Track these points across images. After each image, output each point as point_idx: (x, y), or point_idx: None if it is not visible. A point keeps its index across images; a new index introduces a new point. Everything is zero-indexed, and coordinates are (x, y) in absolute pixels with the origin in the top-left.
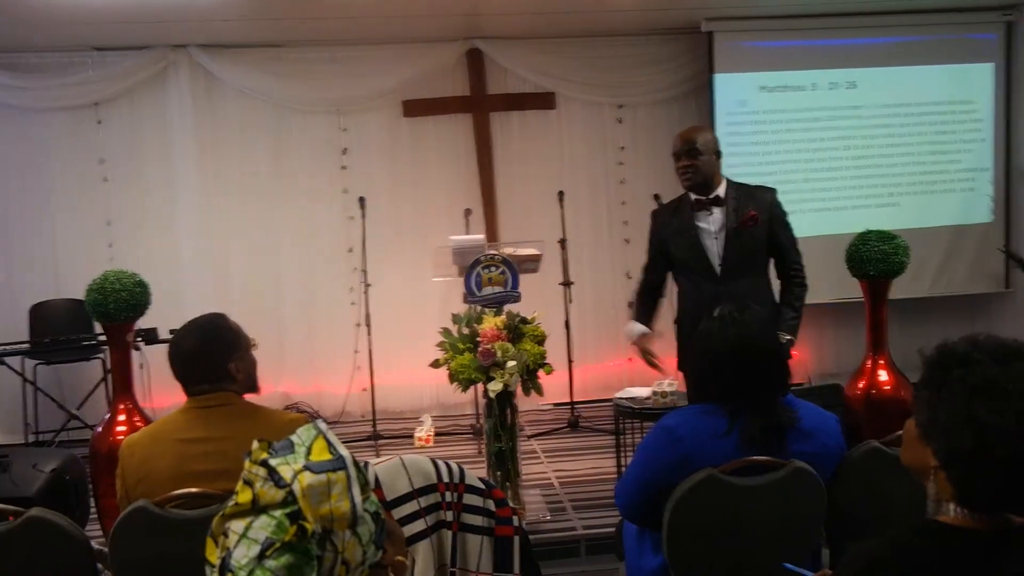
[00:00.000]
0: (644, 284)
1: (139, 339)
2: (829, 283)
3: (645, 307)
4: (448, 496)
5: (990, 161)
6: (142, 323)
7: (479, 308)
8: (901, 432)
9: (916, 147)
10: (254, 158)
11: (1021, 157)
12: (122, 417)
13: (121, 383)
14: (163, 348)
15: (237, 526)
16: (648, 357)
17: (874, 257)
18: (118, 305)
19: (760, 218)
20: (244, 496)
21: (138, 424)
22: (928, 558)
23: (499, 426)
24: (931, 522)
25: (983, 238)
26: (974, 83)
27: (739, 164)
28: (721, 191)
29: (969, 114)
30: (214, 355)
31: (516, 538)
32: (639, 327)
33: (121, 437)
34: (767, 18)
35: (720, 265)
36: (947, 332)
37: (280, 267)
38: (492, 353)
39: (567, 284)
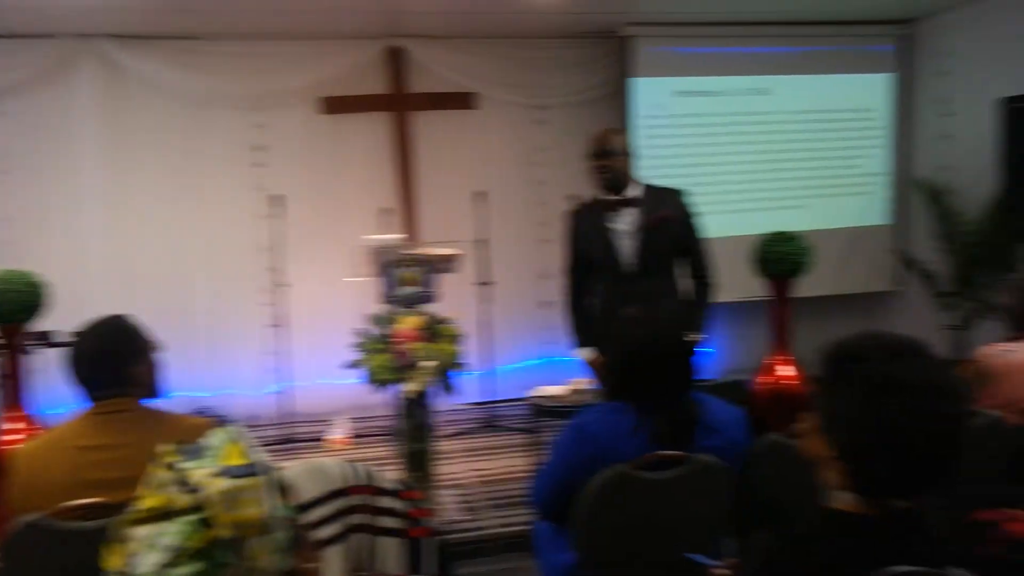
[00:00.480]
0: (571, 291)
1: (35, 342)
2: (738, 282)
3: (581, 324)
4: (361, 499)
5: (886, 167)
6: (41, 325)
7: (396, 308)
8: (802, 425)
9: (821, 152)
10: (165, 154)
11: (913, 162)
12: (15, 424)
13: (15, 388)
14: (62, 351)
15: (142, 533)
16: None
17: (779, 257)
18: (11, 306)
19: (673, 218)
20: (150, 502)
21: (33, 432)
22: (825, 544)
23: (415, 427)
24: (828, 510)
25: (879, 239)
26: (873, 92)
27: (656, 167)
28: (634, 192)
29: (868, 122)
30: (116, 358)
31: (430, 539)
32: (585, 352)
33: (14, 445)
34: (684, 24)
35: (633, 264)
36: (846, 329)
37: (191, 267)
38: (408, 353)
39: (486, 284)
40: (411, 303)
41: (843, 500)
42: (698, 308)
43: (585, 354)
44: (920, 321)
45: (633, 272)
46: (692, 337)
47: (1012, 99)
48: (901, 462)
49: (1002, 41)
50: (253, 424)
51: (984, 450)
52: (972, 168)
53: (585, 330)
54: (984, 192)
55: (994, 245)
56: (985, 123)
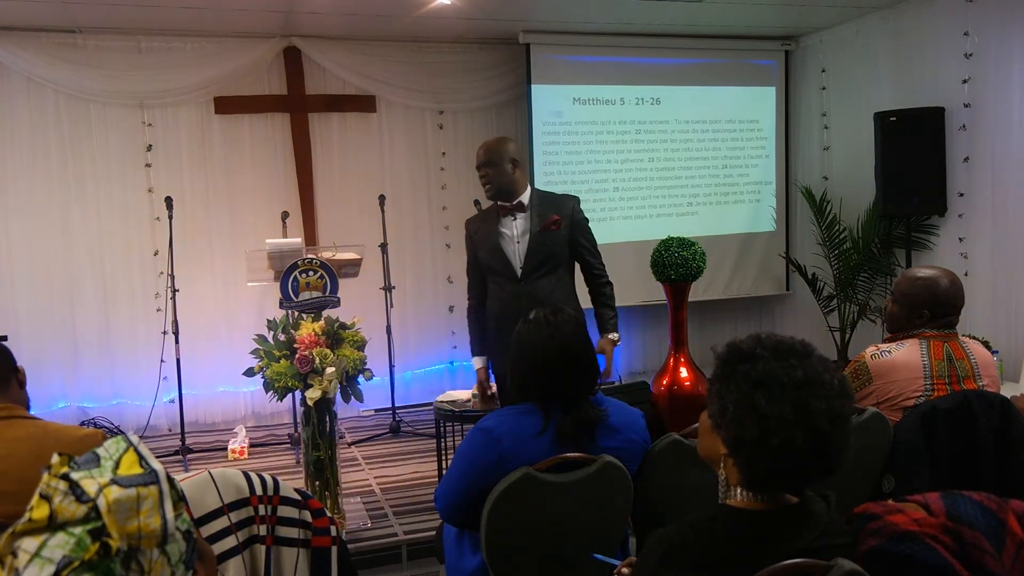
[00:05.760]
0: (472, 296)
1: None
2: (637, 286)
3: (479, 330)
4: (261, 509)
5: (772, 175)
6: None
7: (296, 314)
8: (699, 424)
9: (711, 161)
10: (45, 152)
11: (797, 172)
12: None
13: None
14: None
15: (29, 544)
16: (483, 391)
17: (675, 262)
18: None
19: (561, 223)
20: (39, 512)
21: None
22: (719, 539)
23: (317, 434)
24: (722, 506)
25: (767, 245)
26: (759, 104)
27: (554, 172)
28: (524, 198)
29: (755, 132)
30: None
31: (334, 548)
32: (477, 360)
33: None
34: (580, 34)
35: (521, 268)
36: (738, 331)
37: (75, 272)
38: (310, 359)
39: (388, 288)
40: (312, 308)
41: (736, 497)
42: (607, 309)
43: (476, 363)
44: (807, 323)
45: (520, 274)
46: (611, 337)
47: (885, 114)
48: (783, 457)
49: (875, 60)
50: (147, 435)
51: (866, 445)
52: (851, 178)
53: (477, 338)
54: (862, 201)
55: (872, 252)
56: (862, 136)
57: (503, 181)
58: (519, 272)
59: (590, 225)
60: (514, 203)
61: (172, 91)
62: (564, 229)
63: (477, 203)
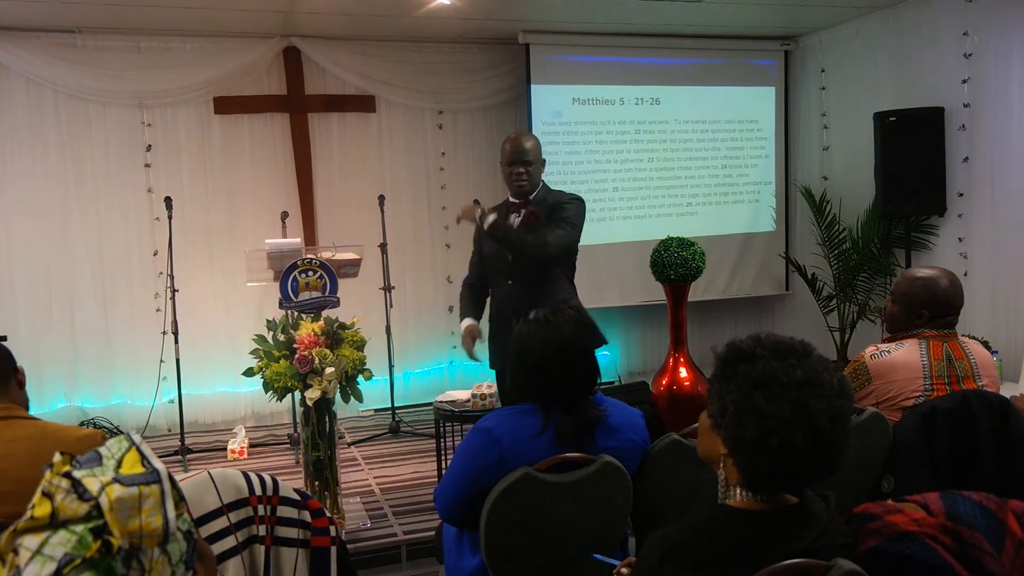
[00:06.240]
0: (467, 278)
1: None
2: (637, 286)
3: (469, 300)
4: (261, 510)
5: (772, 175)
6: None
7: (296, 314)
8: (699, 424)
9: (711, 161)
10: (45, 152)
11: (797, 172)
12: None
13: None
14: None
15: (31, 542)
16: (466, 342)
17: (675, 262)
18: None
19: (540, 214)
20: (41, 509)
21: None
22: (719, 539)
23: (317, 434)
24: (721, 506)
25: (767, 245)
26: (759, 104)
27: (554, 172)
28: (533, 195)
29: (755, 132)
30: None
31: (333, 548)
32: (466, 320)
33: None
34: (580, 34)
35: (511, 264)
36: (738, 331)
37: (75, 272)
38: (309, 360)
39: (388, 288)
40: (311, 308)
41: (736, 497)
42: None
43: (464, 324)
44: (807, 323)
45: (511, 269)
46: (489, 217)
47: (884, 114)
48: (783, 457)
49: (875, 60)
50: (147, 435)
51: (866, 445)
52: (851, 178)
53: (468, 302)
54: (862, 201)
55: (871, 252)
56: (862, 136)
57: (537, 179)
58: (512, 267)
59: (590, 225)
60: (522, 200)
61: (171, 91)
62: (546, 220)
63: (477, 202)
